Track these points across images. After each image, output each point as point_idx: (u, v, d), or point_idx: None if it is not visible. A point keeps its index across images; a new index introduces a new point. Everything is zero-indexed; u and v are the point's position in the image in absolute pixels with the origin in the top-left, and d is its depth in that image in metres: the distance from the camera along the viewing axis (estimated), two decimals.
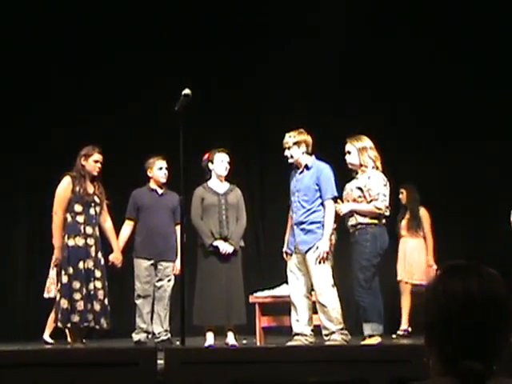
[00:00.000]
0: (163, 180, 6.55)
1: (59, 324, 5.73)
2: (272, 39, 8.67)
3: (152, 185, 6.57)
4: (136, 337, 6.33)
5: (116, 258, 6.16)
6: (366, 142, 5.85)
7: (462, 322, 1.47)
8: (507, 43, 8.08)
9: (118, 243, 6.28)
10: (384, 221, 5.75)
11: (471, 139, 7.99)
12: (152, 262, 6.41)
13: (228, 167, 6.32)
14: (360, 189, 5.72)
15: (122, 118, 8.49)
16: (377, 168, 5.79)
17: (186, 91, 5.31)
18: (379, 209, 5.65)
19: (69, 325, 5.70)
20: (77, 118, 8.39)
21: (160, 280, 6.44)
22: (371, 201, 5.67)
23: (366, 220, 5.66)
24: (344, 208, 5.73)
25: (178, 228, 6.43)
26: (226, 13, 8.71)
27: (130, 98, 8.54)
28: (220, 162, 6.29)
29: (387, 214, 5.73)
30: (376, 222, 5.65)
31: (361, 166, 5.81)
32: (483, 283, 1.50)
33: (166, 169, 6.55)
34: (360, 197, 5.73)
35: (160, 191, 6.56)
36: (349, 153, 5.85)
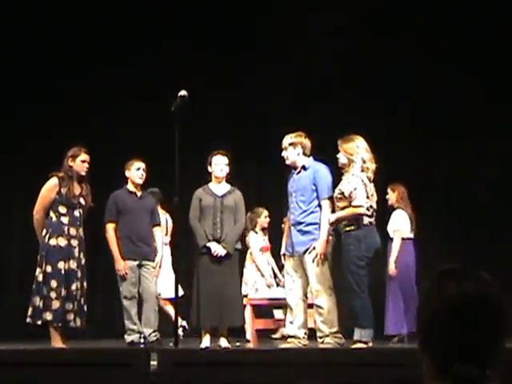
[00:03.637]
0: (139, 181, 6.55)
1: (28, 320, 5.73)
2: (272, 39, 8.66)
3: (130, 187, 6.58)
4: (129, 338, 6.32)
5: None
6: (355, 142, 5.72)
7: (456, 327, 1.46)
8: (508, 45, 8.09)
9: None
10: (369, 221, 5.59)
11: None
12: (137, 262, 6.39)
13: (224, 169, 6.31)
14: (341, 192, 5.63)
15: (118, 119, 8.51)
16: (366, 169, 5.66)
17: (182, 92, 5.32)
18: (358, 206, 5.52)
19: (39, 322, 5.69)
20: (72, 118, 8.42)
21: (146, 280, 6.42)
22: (350, 202, 5.56)
23: (349, 222, 5.56)
24: (331, 218, 5.70)
25: (156, 229, 6.59)
26: (225, 12, 8.71)
27: (127, 98, 8.55)
28: (216, 165, 6.30)
29: (368, 212, 5.57)
30: (356, 224, 5.54)
31: (345, 167, 5.73)
32: (478, 287, 1.49)
33: (144, 170, 6.56)
34: (340, 199, 5.64)
35: (139, 194, 6.58)
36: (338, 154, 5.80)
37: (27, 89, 8.56)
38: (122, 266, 6.31)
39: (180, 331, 6.19)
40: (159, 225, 6.61)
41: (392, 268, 6.96)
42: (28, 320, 5.73)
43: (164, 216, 7.42)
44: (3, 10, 8.23)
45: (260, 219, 7.78)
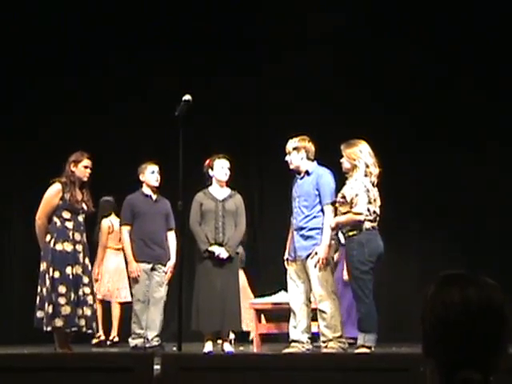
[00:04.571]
0: (155, 184, 6.56)
1: (36, 325, 5.69)
2: (272, 39, 8.67)
3: (145, 190, 6.58)
4: (133, 342, 6.32)
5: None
6: (358, 147, 5.69)
7: (459, 332, 1.47)
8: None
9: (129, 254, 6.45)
10: (371, 225, 5.56)
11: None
12: (151, 265, 6.42)
13: (228, 173, 6.32)
14: (343, 196, 5.62)
15: (120, 121, 8.52)
16: (369, 174, 5.62)
17: (187, 97, 5.31)
18: (357, 213, 5.50)
19: (48, 328, 5.63)
20: (72, 118, 8.43)
21: (157, 284, 6.43)
22: (351, 208, 5.54)
23: (352, 227, 5.55)
24: (332, 223, 5.69)
25: (170, 233, 6.57)
26: (226, 12, 8.70)
27: (129, 99, 8.56)
28: (220, 169, 6.30)
29: (370, 217, 5.53)
30: (358, 230, 5.51)
31: (349, 171, 5.70)
32: (481, 293, 1.49)
33: (158, 173, 6.57)
34: (342, 204, 5.63)
35: (154, 197, 6.58)
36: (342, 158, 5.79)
37: (27, 88, 8.56)
38: (135, 268, 6.36)
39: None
40: (173, 229, 6.58)
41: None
42: (36, 326, 5.68)
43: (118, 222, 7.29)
44: (4, 10, 8.25)
45: None
